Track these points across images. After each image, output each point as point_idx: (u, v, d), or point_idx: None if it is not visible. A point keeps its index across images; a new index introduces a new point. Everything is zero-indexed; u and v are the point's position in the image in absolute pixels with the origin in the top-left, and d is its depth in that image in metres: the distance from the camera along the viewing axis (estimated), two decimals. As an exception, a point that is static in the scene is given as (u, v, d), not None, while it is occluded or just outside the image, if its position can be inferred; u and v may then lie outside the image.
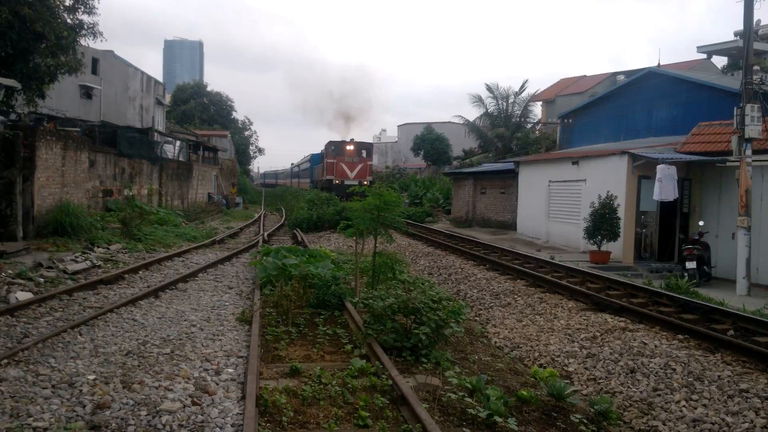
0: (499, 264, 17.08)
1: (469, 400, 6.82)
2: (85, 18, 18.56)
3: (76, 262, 14.95)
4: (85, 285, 12.48)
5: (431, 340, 8.42)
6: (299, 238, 24.36)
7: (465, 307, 9.32)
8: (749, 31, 16.88)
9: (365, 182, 39.92)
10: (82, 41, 19.13)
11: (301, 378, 7.29)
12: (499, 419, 6.19)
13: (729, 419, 6.82)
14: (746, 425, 6.65)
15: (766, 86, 19.33)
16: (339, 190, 42.41)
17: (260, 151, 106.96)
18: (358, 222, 12.13)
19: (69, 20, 18.22)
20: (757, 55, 30.88)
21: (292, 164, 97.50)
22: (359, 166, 47.83)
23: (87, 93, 38.65)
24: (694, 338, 9.53)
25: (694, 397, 7.45)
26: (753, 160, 16.85)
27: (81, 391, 6.59)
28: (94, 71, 39.24)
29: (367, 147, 50.14)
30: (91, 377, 7.03)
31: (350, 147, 48.27)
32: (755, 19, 18.14)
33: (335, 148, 48.58)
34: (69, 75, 19.35)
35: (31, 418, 5.80)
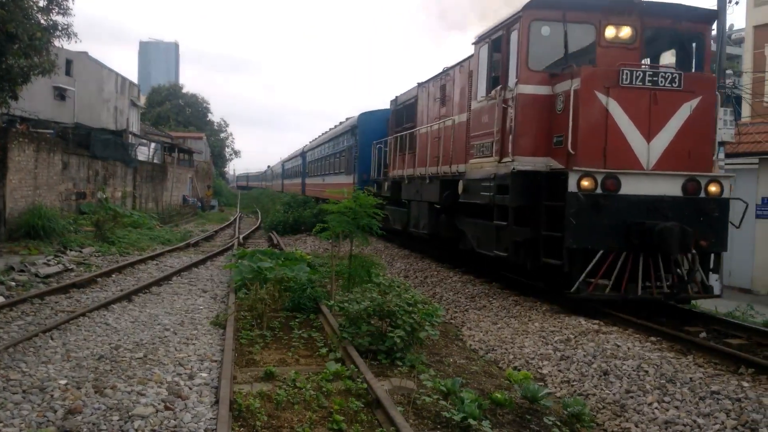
0: (474, 267, 17.10)
1: (444, 403, 6.84)
2: (59, 19, 18.32)
3: (49, 265, 14.79)
4: (57, 289, 12.36)
5: (406, 343, 8.42)
6: (275, 241, 24.30)
7: (439, 310, 9.33)
8: (722, 35, 17.11)
9: (714, 187, 11.04)
10: (56, 42, 18.89)
11: (276, 382, 7.26)
12: (473, 422, 6.21)
13: (700, 421, 6.90)
14: (717, 426, 6.73)
15: (738, 90, 19.64)
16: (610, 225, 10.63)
17: (236, 153, 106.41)
18: (333, 225, 12.11)
19: (43, 21, 17.97)
20: (729, 59, 31.32)
21: (268, 166, 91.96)
22: (679, 114, 11.07)
23: (61, 94, 38.16)
24: (666, 340, 9.63)
25: (666, 398, 7.53)
26: (725, 164, 17.08)
27: (52, 396, 6.54)
28: (68, 72, 38.71)
29: (698, 35, 12.42)
30: (63, 382, 6.97)
31: (625, 30, 11.88)
32: (728, 23, 18.40)
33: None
34: (42, 76, 19.06)
35: (1, 424, 5.74)
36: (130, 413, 6.07)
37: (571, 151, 10.85)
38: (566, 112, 10.95)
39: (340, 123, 33.62)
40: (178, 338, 9.20)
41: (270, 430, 6.00)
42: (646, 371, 8.24)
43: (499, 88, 12.53)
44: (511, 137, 11.86)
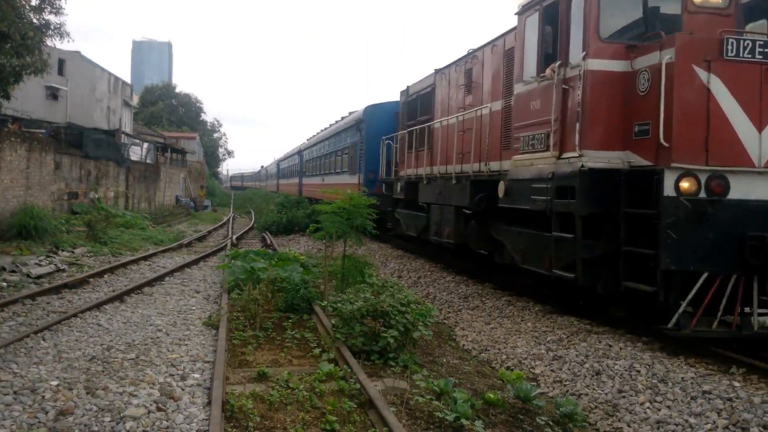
0: (468, 267, 17.12)
1: (437, 403, 6.84)
2: (51, 18, 18.29)
3: (40, 265, 14.74)
4: (49, 289, 12.31)
5: (399, 344, 8.43)
6: (268, 242, 24.26)
7: (433, 310, 9.34)
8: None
9: None
10: (49, 41, 18.84)
11: (269, 382, 7.25)
12: (465, 422, 6.21)
13: (692, 420, 6.92)
14: (708, 426, 6.75)
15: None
16: None
17: (229, 153, 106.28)
18: (327, 225, 12.10)
19: (35, 20, 17.91)
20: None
21: (262, 166, 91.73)
22: None
23: (53, 94, 38.03)
24: (658, 341, 9.65)
25: (658, 398, 7.54)
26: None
27: (43, 397, 6.51)
28: (61, 72, 38.60)
29: None
30: (54, 383, 6.94)
31: None
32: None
33: None
34: (35, 76, 19.03)
35: (-8, 425, 5.72)
36: (121, 414, 6.05)
37: (663, 143, 8.42)
38: (654, 92, 8.65)
39: (342, 118, 30.41)
40: (171, 339, 9.17)
41: (263, 430, 5.99)
42: (638, 371, 8.26)
43: (557, 65, 10.01)
44: (577, 126, 9.42)
